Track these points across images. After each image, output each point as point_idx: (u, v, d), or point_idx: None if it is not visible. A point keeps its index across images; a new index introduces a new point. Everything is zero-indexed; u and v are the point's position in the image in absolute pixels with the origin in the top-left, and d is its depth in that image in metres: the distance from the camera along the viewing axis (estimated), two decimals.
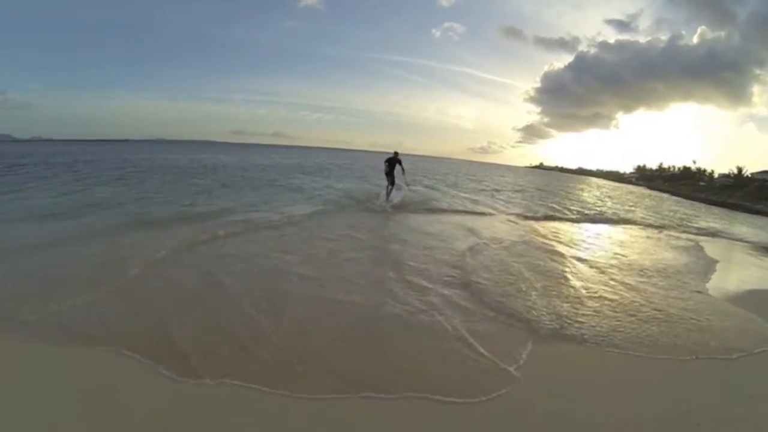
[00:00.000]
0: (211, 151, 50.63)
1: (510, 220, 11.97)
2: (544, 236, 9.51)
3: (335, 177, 21.31)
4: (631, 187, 53.62)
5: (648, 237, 11.55)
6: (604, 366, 3.55)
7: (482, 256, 6.91)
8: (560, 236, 9.95)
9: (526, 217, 12.94)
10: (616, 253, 8.40)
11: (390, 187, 13.12)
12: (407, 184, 13.37)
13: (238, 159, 33.10)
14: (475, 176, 35.19)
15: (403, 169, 12.85)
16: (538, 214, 13.84)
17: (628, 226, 13.54)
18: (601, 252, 8.45)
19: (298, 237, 7.26)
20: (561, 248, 8.28)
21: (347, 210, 10.93)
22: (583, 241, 9.79)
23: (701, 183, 52.28)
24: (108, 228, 6.83)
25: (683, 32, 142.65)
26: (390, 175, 12.94)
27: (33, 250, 5.36)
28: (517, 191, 23.71)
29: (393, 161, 12.77)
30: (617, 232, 12.06)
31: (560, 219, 13.49)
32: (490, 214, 12.77)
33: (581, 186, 41.63)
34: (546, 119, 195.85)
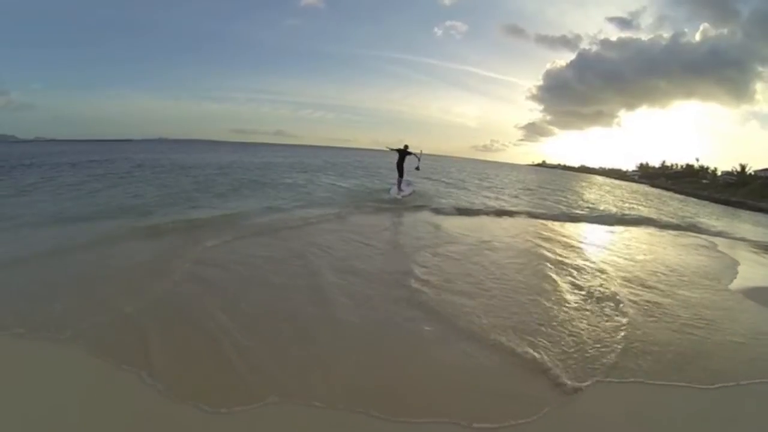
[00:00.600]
0: (215, 150, 50.63)
1: (527, 221, 11.78)
2: (562, 239, 9.35)
3: (346, 175, 21.47)
4: (634, 185, 53.42)
5: (659, 237, 11.48)
6: (657, 399, 3.19)
7: (498, 263, 6.89)
8: (577, 238, 9.82)
9: (539, 217, 12.76)
10: (635, 255, 8.28)
11: (400, 179, 13.89)
12: (418, 162, 13.96)
13: (246, 158, 33.06)
14: (480, 174, 35.18)
15: (416, 156, 13.56)
16: (548, 214, 13.66)
17: (639, 226, 13.29)
18: (623, 255, 8.24)
19: (318, 239, 7.27)
20: (584, 253, 8.14)
21: (364, 210, 10.69)
22: (601, 243, 9.67)
23: (704, 181, 52.24)
24: (126, 232, 6.74)
25: (686, 30, 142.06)
26: (400, 168, 13.69)
27: (44, 259, 5.27)
28: (524, 189, 23.67)
29: (403, 154, 13.39)
30: (630, 232, 11.87)
31: (572, 219, 13.25)
32: (505, 215, 12.55)
33: (584, 184, 41.45)
34: (548, 117, 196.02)
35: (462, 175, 30.25)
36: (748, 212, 27.73)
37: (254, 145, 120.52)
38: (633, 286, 5.94)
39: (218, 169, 20.45)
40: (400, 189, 13.62)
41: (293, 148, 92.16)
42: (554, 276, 6.02)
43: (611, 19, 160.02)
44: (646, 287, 5.93)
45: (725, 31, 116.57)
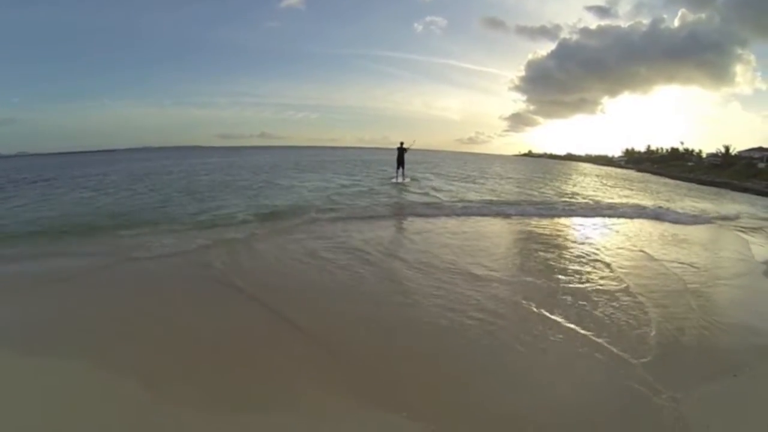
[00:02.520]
0: (205, 156, 50.08)
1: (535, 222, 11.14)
2: (580, 242, 8.49)
3: (345, 173, 21.93)
4: (621, 171, 54.11)
5: (674, 229, 11.01)
6: None
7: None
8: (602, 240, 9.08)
9: (544, 216, 11.96)
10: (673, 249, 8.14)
11: (400, 169, 17.78)
12: (407, 151, 17.75)
13: (242, 161, 33.29)
14: (475, 167, 35.45)
15: (405, 149, 17.39)
16: (554, 211, 12.78)
17: (645, 220, 12.19)
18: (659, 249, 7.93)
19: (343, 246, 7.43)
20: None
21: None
22: (623, 241, 9.18)
23: (689, 163, 53.21)
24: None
25: (665, 16, 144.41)
26: (400, 160, 17.61)
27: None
28: (517, 179, 24.00)
29: (401, 150, 17.35)
30: (639, 225, 11.16)
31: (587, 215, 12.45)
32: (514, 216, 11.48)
33: (572, 172, 41.71)
34: (532, 107, 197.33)
35: (460, 170, 30.49)
36: (734, 192, 28.40)
37: (243, 149, 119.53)
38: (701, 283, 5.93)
39: (225, 172, 20.41)
40: (400, 177, 17.78)
41: (282, 150, 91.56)
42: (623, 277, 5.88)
43: (589, 8, 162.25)
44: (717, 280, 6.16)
45: (703, 15, 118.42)
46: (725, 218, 13.31)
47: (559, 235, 8.88)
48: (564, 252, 7.26)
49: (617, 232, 9.85)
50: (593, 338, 3.89)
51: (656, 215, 12.90)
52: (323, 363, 3.40)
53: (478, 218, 10.57)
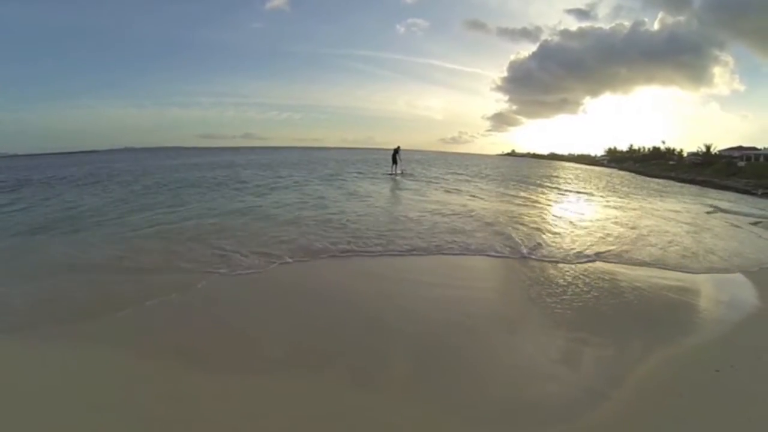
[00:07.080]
0: (197, 157, 48.84)
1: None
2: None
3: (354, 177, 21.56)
4: (604, 170, 54.81)
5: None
6: None
7: None
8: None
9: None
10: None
11: (394, 166, 23.24)
12: (398, 155, 23.69)
13: (243, 162, 32.76)
14: (463, 167, 35.54)
15: (399, 158, 23.52)
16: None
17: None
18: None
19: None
20: None
21: None
22: None
23: (671, 162, 54.49)
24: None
25: (645, 19, 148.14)
26: (394, 159, 23.20)
27: None
28: (513, 181, 24.26)
29: (395, 152, 23.28)
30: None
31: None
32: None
33: (558, 172, 41.30)
34: (515, 107, 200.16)
35: (447, 170, 30.45)
36: (716, 191, 28.85)
37: (226, 149, 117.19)
38: None
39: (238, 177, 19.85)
40: (392, 171, 22.99)
41: (269, 150, 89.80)
42: None
43: (570, 11, 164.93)
44: None
45: (682, 18, 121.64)
46: None
47: None
48: None
49: None
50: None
51: None
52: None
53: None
